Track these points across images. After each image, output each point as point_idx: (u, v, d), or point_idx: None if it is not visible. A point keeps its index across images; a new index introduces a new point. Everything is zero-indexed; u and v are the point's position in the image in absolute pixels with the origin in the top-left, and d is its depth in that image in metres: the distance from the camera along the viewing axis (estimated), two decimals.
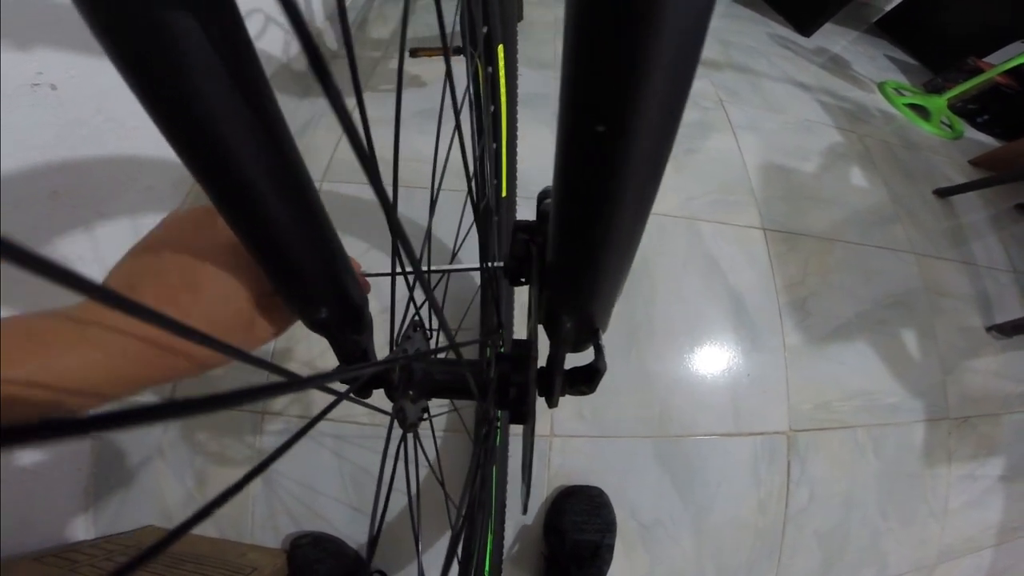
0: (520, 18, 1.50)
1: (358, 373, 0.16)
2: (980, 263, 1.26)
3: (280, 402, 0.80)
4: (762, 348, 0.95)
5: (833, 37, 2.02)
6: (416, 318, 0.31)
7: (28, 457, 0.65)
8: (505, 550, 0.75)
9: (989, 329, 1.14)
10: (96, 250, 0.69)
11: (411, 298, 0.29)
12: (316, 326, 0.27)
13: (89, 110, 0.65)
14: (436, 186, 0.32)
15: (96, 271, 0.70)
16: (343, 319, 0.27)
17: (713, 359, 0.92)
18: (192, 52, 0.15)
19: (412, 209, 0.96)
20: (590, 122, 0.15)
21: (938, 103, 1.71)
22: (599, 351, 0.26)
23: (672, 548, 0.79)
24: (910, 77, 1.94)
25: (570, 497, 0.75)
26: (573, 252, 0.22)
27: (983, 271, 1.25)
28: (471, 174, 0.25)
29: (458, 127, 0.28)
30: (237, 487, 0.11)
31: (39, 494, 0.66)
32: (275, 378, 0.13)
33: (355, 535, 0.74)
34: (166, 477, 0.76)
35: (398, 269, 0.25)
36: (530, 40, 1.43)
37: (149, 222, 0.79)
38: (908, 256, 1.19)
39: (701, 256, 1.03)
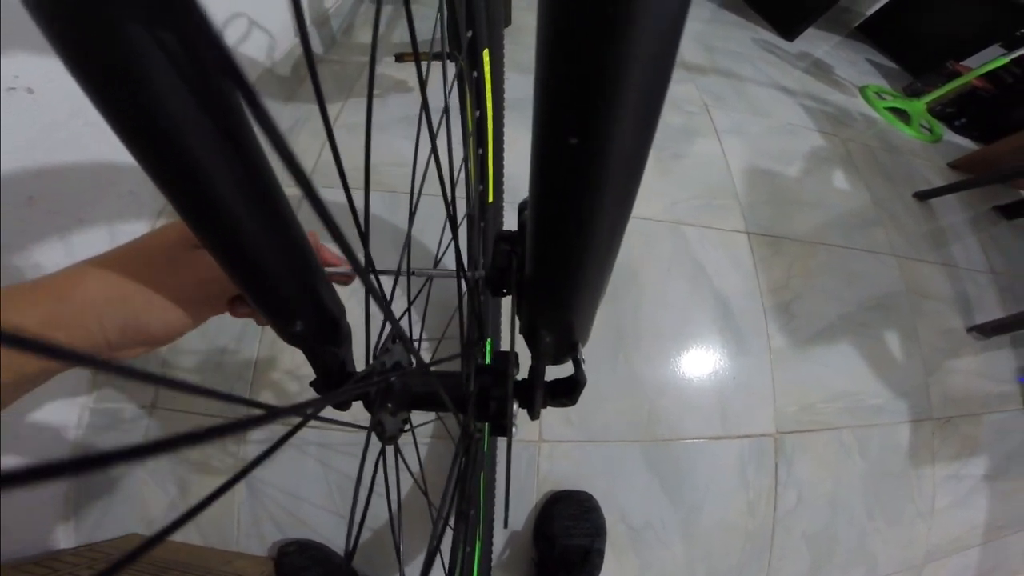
0: (508, 23, 1.50)
1: (330, 403, 0.16)
2: (960, 265, 1.28)
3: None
4: (747, 351, 0.96)
5: (816, 42, 2.05)
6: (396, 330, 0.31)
7: (6, 463, 0.63)
8: (495, 556, 0.74)
9: (970, 330, 1.16)
10: (72, 256, 0.67)
11: (387, 309, 0.28)
12: (292, 339, 0.27)
13: (67, 114, 0.63)
14: (416, 192, 0.32)
15: None
16: (319, 331, 0.27)
17: (699, 363, 0.93)
18: (152, 60, 0.15)
19: (396, 215, 0.95)
20: (562, 135, 0.15)
21: (917, 107, 1.75)
22: (577, 364, 0.26)
23: (662, 552, 0.79)
24: (891, 81, 1.98)
25: (559, 503, 0.75)
26: (550, 265, 0.22)
27: (963, 273, 1.27)
28: (448, 181, 0.25)
29: (434, 134, 0.27)
30: (215, 495, 0.11)
31: (18, 501, 0.64)
32: (252, 410, 0.12)
33: (341, 542, 0.73)
34: (149, 485, 0.75)
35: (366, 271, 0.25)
36: (518, 45, 1.43)
37: (129, 228, 0.78)
38: (890, 259, 1.21)
39: (686, 260, 1.04)
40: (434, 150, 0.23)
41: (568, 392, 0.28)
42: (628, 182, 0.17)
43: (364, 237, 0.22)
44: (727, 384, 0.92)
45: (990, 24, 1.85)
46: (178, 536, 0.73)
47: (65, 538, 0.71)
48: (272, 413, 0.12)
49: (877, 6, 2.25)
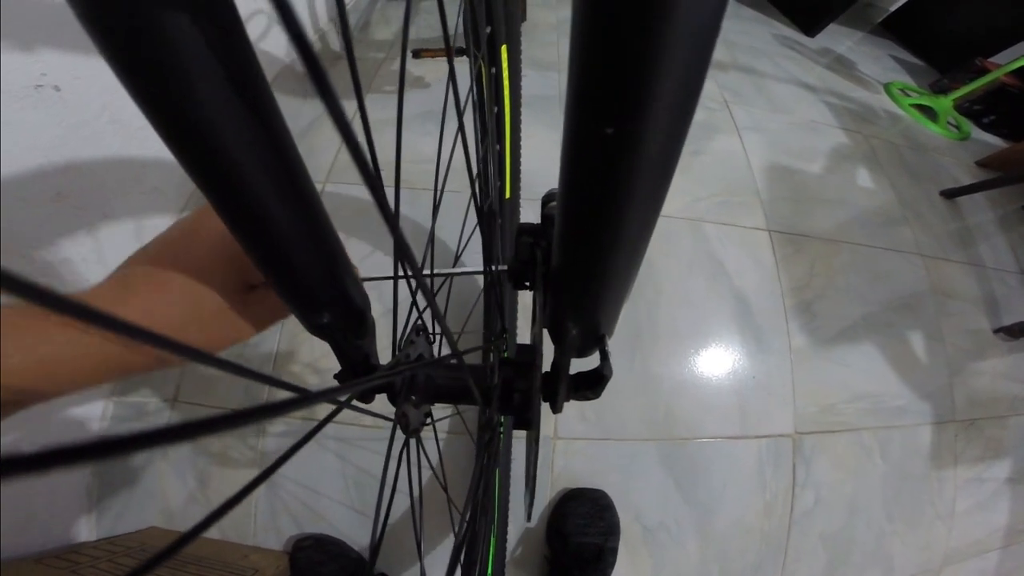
0: (524, 19, 1.50)
1: (363, 387, 0.16)
2: (987, 265, 1.25)
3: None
4: (768, 350, 0.94)
5: (838, 37, 2.01)
6: (419, 322, 0.31)
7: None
8: (508, 553, 0.74)
9: (997, 331, 1.13)
10: (100, 251, 0.69)
11: (414, 302, 0.29)
12: (318, 330, 0.27)
13: (94, 111, 0.65)
14: (439, 188, 0.32)
15: (99, 272, 0.70)
16: (345, 323, 0.27)
17: (718, 362, 0.92)
18: (190, 53, 0.15)
19: (416, 211, 0.96)
20: (598, 124, 0.15)
21: (944, 104, 1.70)
22: (605, 357, 0.25)
23: (676, 551, 0.79)
24: (916, 78, 1.93)
25: (573, 500, 0.75)
26: (579, 257, 0.21)
27: (990, 273, 1.23)
28: (474, 176, 0.25)
29: (461, 128, 0.27)
30: (240, 496, 0.11)
31: (41, 494, 0.66)
32: (284, 393, 0.13)
33: (358, 537, 0.74)
34: (168, 478, 0.76)
35: (399, 273, 0.25)
36: (534, 42, 1.43)
37: (154, 223, 0.80)
38: (915, 258, 1.18)
39: (706, 258, 1.02)
40: (464, 146, 0.23)
41: (592, 385, 0.27)
42: (663, 173, 0.17)
43: (402, 243, 0.22)
44: (746, 383, 0.90)
45: (1020, 19, 1.79)
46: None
47: (87, 531, 0.73)
48: (305, 397, 0.12)
49: (901, 1, 2.20)
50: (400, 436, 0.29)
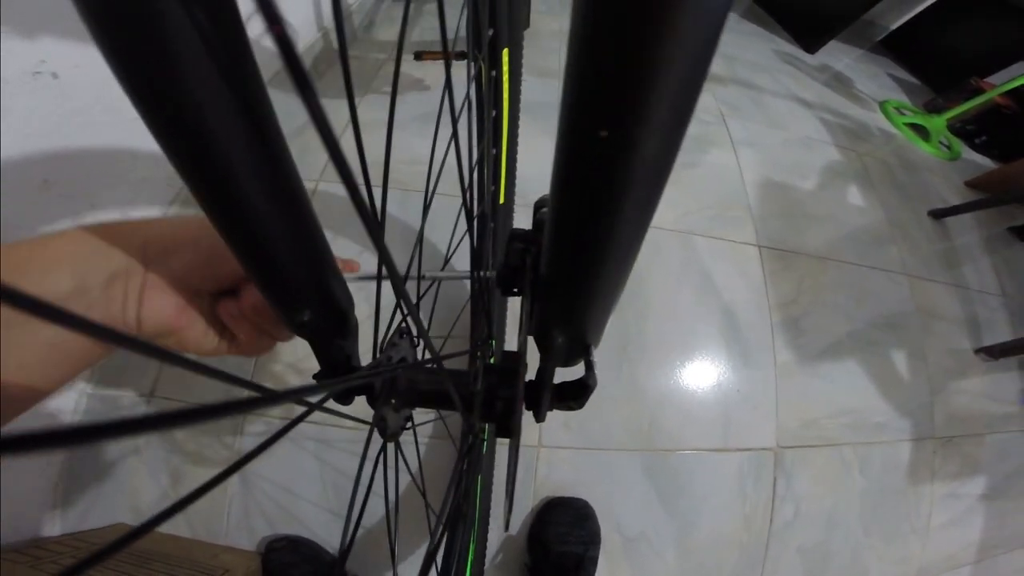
0: (527, 26, 1.50)
1: (335, 389, 0.16)
2: (971, 286, 1.27)
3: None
4: (753, 365, 0.95)
5: (837, 54, 2.04)
6: (403, 325, 0.31)
7: None
8: (488, 560, 0.74)
9: (978, 351, 1.15)
10: None
11: (397, 304, 0.28)
12: (298, 329, 0.27)
13: (89, 100, 0.64)
14: (430, 190, 0.31)
15: None
16: (327, 323, 0.27)
17: (704, 374, 0.92)
18: (183, 45, 0.15)
19: (408, 213, 0.95)
20: (592, 126, 0.15)
21: (938, 123, 1.73)
22: (590, 367, 0.25)
23: (656, 562, 0.79)
24: (912, 96, 1.96)
25: (554, 509, 0.74)
26: (568, 264, 0.21)
27: (974, 294, 1.26)
28: (467, 180, 0.24)
29: (455, 134, 0.27)
30: (207, 487, 0.11)
31: (4, 486, 0.64)
32: (247, 392, 0.12)
33: (333, 540, 0.73)
34: (140, 475, 0.74)
35: (384, 275, 0.25)
36: (536, 48, 1.43)
37: (141, 214, 0.78)
38: (901, 278, 1.20)
39: (695, 271, 1.03)
40: (456, 150, 0.23)
41: (576, 395, 0.27)
42: (656, 180, 0.17)
43: (376, 236, 0.22)
44: (730, 396, 0.91)
45: (1016, 41, 1.83)
46: (166, 527, 0.73)
47: (51, 526, 0.71)
48: (270, 397, 0.12)
49: (902, 20, 2.23)
50: (378, 440, 0.29)
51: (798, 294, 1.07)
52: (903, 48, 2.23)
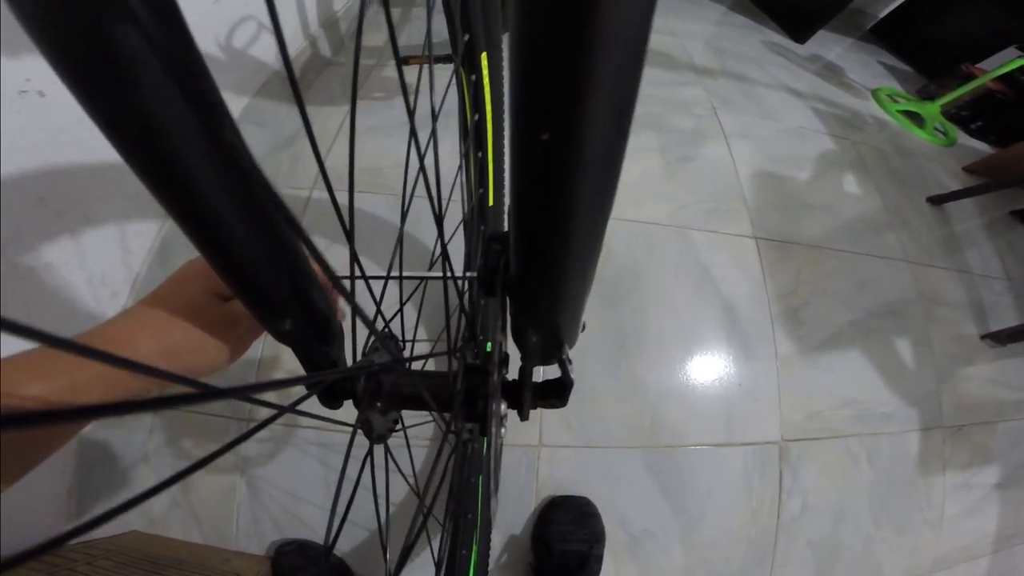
0: (507, 29, 1.51)
1: (286, 386, 0.16)
2: (974, 271, 1.26)
3: (265, 412, 0.79)
4: (754, 357, 0.95)
5: (827, 44, 2.03)
6: (386, 329, 0.31)
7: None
8: (493, 560, 0.74)
9: (984, 337, 1.14)
10: (82, 256, 0.69)
11: (378, 309, 0.28)
12: (281, 337, 0.27)
13: (75, 117, 0.64)
14: (408, 194, 0.32)
15: (80, 277, 0.70)
16: (308, 330, 0.27)
17: (704, 369, 0.92)
18: (142, 68, 0.15)
19: (395, 216, 0.96)
20: (536, 130, 0.15)
21: (931, 110, 1.72)
22: (563, 365, 0.25)
23: (662, 559, 0.78)
24: (904, 84, 1.95)
25: (557, 508, 0.74)
26: (532, 264, 0.21)
27: (977, 279, 1.24)
28: (430, 184, 0.25)
29: (412, 133, 0.27)
30: (156, 490, 0.11)
31: (20, 492, 0.65)
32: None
33: (340, 544, 0.74)
34: (150, 482, 0.75)
35: (358, 275, 0.25)
36: None
37: (136, 227, 0.80)
38: (902, 264, 1.19)
39: (693, 265, 1.03)
40: (417, 154, 0.23)
41: (557, 393, 0.27)
42: (605, 178, 0.17)
43: (351, 240, 0.22)
44: (732, 391, 0.91)
45: (1006, 26, 1.81)
46: (178, 534, 0.74)
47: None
48: (210, 393, 0.12)
49: (890, 8, 2.23)
50: (364, 444, 0.29)
51: (797, 285, 1.06)
52: (893, 36, 2.22)
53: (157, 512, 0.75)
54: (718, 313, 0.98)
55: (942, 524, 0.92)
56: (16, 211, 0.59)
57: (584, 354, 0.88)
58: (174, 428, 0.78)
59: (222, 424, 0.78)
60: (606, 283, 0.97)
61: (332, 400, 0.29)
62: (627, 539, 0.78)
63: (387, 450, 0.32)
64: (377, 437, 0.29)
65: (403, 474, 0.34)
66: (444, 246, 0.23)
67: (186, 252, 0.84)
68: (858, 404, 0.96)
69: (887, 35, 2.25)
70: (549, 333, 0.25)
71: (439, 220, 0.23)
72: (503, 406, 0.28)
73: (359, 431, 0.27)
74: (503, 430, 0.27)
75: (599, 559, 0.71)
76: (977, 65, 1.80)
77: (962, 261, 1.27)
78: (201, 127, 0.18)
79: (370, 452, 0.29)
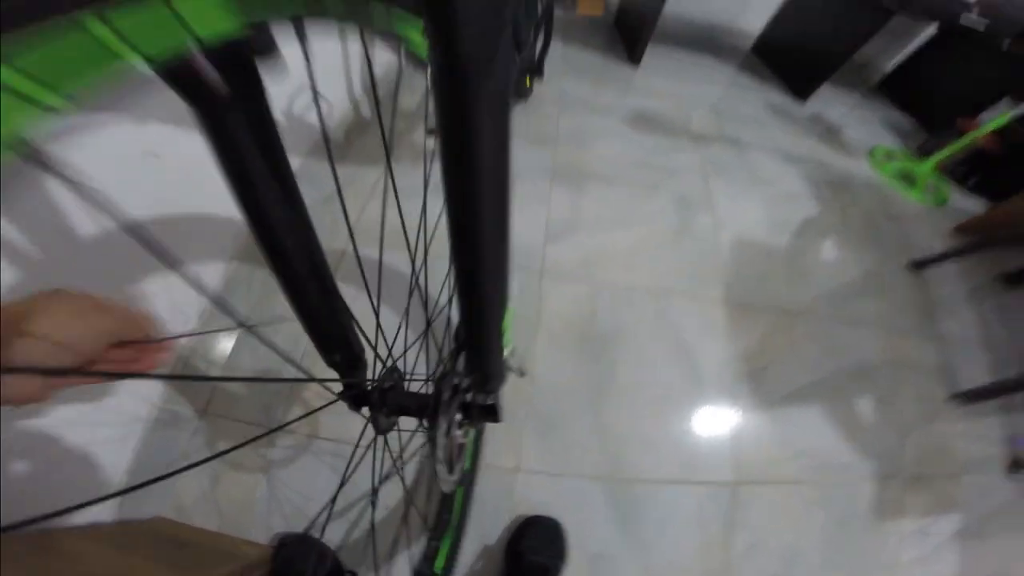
0: (524, 96, 1.62)
1: (279, 382, 0.30)
2: (950, 336, 1.31)
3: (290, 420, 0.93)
4: (715, 408, 1.05)
5: (832, 102, 2.09)
6: (392, 362, 0.46)
7: (80, 436, 0.73)
8: (469, 567, 0.84)
9: (952, 397, 1.18)
10: (169, 288, 0.83)
11: (390, 351, 0.44)
12: (332, 365, 0.42)
13: (177, 175, 0.80)
14: (415, 253, 0.47)
15: (164, 304, 0.84)
16: (348, 360, 0.43)
17: (668, 415, 1.02)
18: (261, 180, 0.29)
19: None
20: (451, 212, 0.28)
21: (924, 168, 1.72)
22: (495, 396, 0.40)
23: None
24: (906, 140, 1.98)
25: (531, 526, 0.85)
26: (469, 335, 0.36)
27: (951, 344, 1.29)
28: (409, 244, 0.41)
29: (393, 189, 0.43)
30: (131, 489, 0.21)
31: (82, 464, 0.74)
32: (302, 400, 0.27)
33: (335, 538, 0.83)
34: (185, 476, 0.85)
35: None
36: (536, 115, 1.59)
37: (207, 268, 0.97)
38: (874, 331, 1.26)
39: (668, 325, 1.15)
40: (401, 220, 0.39)
41: (492, 412, 0.42)
42: (496, 247, 0.30)
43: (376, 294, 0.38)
44: (691, 436, 1.01)
45: (1004, 79, 1.79)
46: (199, 522, 0.83)
47: (111, 510, 0.79)
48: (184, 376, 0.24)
49: (895, 62, 2.24)
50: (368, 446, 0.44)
51: (764, 348, 1.15)
52: (899, 91, 2.23)
53: (187, 503, 0.84)
54: (686, 370, 1.09)
55: (896, 570, 0.94)
56: (130, 251, 0.75)
57: (564, 397, 1.01)
58: (216, 433, 0.90)
59: (253, 432, 0.91)
60: (590, 339, 1.10)
61: (356, 404, 0.44)
62: (587, 562, 0.86)
63: (386, 444, 0.46)
64: (381, 430, 0.43)
65: (399, 473, 0.48)
66: (429, 323, 0.38)
67: (244, 287, 0.99)
68: (816, 454, 1.03)
69: (893, 90, 2.25)
70: (484, 374, 0.40)
71: (414, 263, 0.39)
72: (457, 415, 0.43)
73: (369, 423, 0.42)
74: (459, 431, 0.42)
75: (558, 573, 0.81)
76: (976, 118, 1.78)
77: (938, 327, 1.32)
78: (288, 207, 0.32)
79: (374, 442, 0.44)
